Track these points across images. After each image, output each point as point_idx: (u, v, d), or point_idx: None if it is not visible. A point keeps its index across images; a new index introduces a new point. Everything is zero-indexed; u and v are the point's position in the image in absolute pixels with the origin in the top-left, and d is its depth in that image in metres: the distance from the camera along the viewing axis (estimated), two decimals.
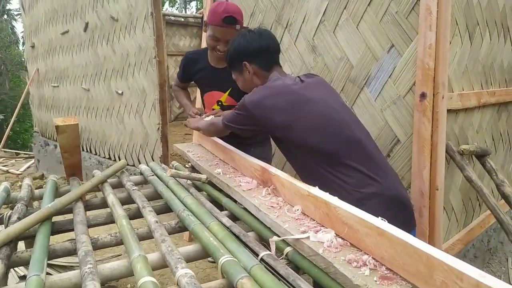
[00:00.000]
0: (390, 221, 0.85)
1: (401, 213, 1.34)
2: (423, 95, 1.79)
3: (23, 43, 18.03)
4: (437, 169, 1.81)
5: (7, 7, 24.54)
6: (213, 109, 2.13)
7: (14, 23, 24.52)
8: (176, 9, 20.41)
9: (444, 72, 1.77)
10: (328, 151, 1.35)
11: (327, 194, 1.02)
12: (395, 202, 1.34)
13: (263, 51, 1.59)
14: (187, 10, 20.58)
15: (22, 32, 13.04)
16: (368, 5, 1.98)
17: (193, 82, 2.28)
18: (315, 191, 1.04)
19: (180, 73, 2.26)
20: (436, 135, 1.80)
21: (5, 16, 23.98)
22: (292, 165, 1.57)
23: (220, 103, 2.14)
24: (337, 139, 1.36)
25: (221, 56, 1.93)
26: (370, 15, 1.99)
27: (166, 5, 20.92)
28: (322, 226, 1.00)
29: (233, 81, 1.96)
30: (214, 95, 2.14)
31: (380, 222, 0.79)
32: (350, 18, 2.08)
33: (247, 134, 1.71)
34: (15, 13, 23.47)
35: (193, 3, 22.46)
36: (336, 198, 0.97)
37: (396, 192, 1.36)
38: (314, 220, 1.04)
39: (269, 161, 2.11)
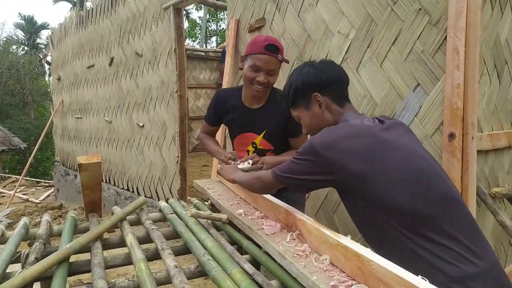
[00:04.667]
0: None
1: None
2: (451, 135, 1.74)
3: (50, 75, 18.77)
4: None
5: (37, 41, 25.83)
6: (247, 151, 1.97)
7: (41, 55, 25.69)
8: (197, 44, 21.03)
9: (473, 112, 1.72)
10: (418, 211, 1.07)
11: (358, 244, 0.96)
12: None
13: (337, 81, 1.35)
14: (207, 44, 21.21)
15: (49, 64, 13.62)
16: (393, 44, 1.97)
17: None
18: (345, 240, 0.98)
19: (211, 113, 2.03)
20: (467, 177, 1.72)
21: (34, 50, 25.18)
22: (359, 226, 1.26)
23: (254, 145, 1.96)
24: (430, 197, 1.10)
25: (259, 90, 1.79)
26: (394, 53, 1.97)
27: (188, 39, 21.61)
28: (354, 280, 0.93)
29: (268, 123, 1.88)
30: (247, 137, 1.96)
31: (422, 283, 0.72)
32: (373, 56, 2.06)
33: (306, 187, 1.37)
34: (43, 46, 24.64)
35: (214, 38, 23.18)
36: (368, 250, 0.90)
37: (503, 278, 1.08)
38: (344, 272, 0.98)
39: (300, 206, 1.95)
